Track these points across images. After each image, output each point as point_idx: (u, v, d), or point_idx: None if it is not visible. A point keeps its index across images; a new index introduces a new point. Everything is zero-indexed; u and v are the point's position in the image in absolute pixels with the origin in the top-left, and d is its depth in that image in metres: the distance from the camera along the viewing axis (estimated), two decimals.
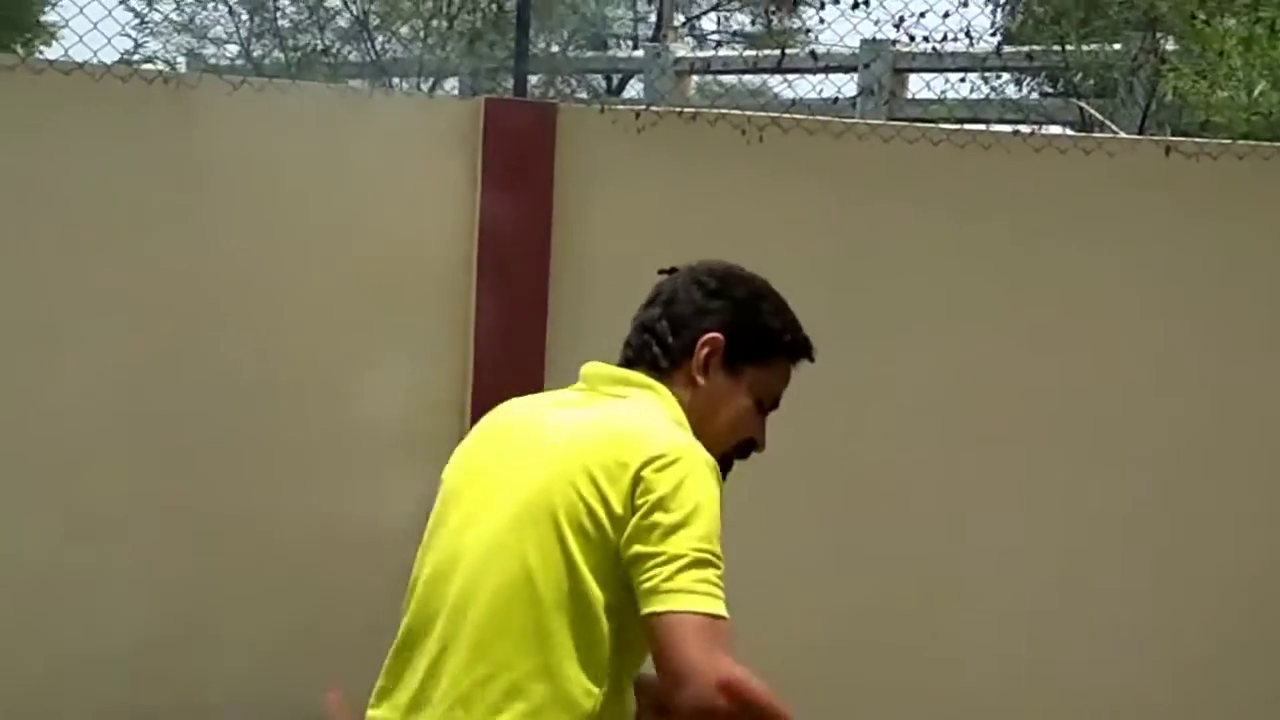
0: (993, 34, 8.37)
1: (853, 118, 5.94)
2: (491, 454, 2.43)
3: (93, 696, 4.80)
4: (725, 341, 2.46)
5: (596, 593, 2.26)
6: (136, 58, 8.90)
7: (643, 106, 5.57)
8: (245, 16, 10.20)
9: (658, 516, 2.22)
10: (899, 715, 5.35)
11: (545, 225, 5.22)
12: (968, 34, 6.45)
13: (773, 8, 11.10)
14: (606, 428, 2.34)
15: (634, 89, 11.54)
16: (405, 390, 5.16)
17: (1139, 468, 5.42)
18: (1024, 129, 5.60)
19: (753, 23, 12.93)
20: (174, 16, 10.33)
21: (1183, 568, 5.43)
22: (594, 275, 5.28)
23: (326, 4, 9.48)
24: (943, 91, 7.61)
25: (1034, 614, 5.42)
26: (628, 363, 2.49)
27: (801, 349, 2.54)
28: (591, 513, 2.26)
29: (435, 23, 7.63)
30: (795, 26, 11.33)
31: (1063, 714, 5.45)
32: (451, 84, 8.94)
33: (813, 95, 7.52)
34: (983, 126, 5.70)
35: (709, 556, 2.22)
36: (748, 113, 5.55)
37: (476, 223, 5.17)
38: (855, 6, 6.74)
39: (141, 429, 4.95)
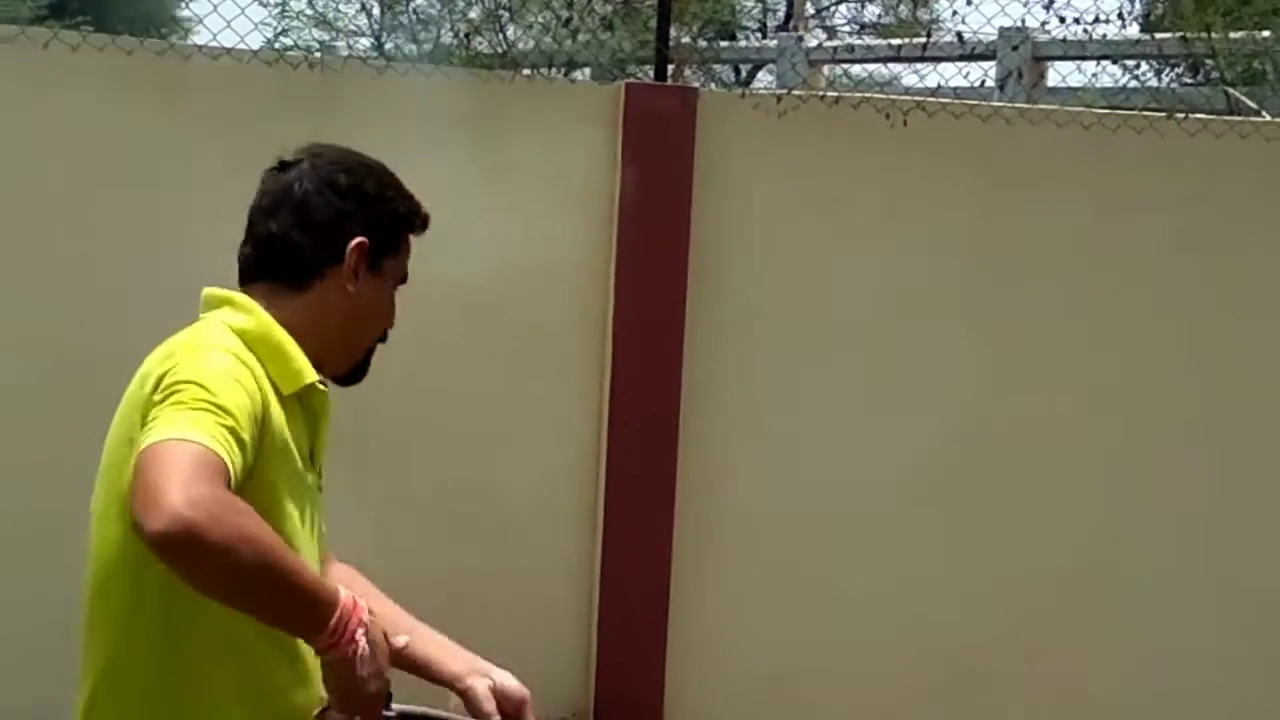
0: (1133, 21, 8.19)
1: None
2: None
3: None
4: (369, 243, 2.33)
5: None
6: (276, 47, 8.99)
7: (784, 91, 5.50)
8: (377, 10, 10.29)
9: (155, 399, 2.07)
10: None
11: (685, 211, 5.18)
12: (1120, 16, 6.29)
13: None
14: (145, 362, 2.21)
15: (762, 82, 11.46)
16: (543, 375, 5.15)
17: None
18: (1177, 115, 5.43)
19: (881, 15, 12.83)
20: (307, 11, 10.47)
21: None
22: (734, 261, 5.23)
23: None
24: (1092, 76, 7.46)
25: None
26: (248, 275, 2.34)
27: (423, 222, 2.43)
28: (123, 460, 2.12)
29: (567, 14, 7.61)
30: (927, 19, 11.20)
31: None
32: (579, 76, 8.93)
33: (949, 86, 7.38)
34: (1133, 111, 5.54)
35: (193, 387, 2.04)
36: (892, 96, 5.46)
37: (616, 209, 5.14)
38: None
39: None
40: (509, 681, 2.39)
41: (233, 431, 2.02)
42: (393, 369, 4.82)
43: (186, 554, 1.90)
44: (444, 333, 5.03)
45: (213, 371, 2.09)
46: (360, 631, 2.06)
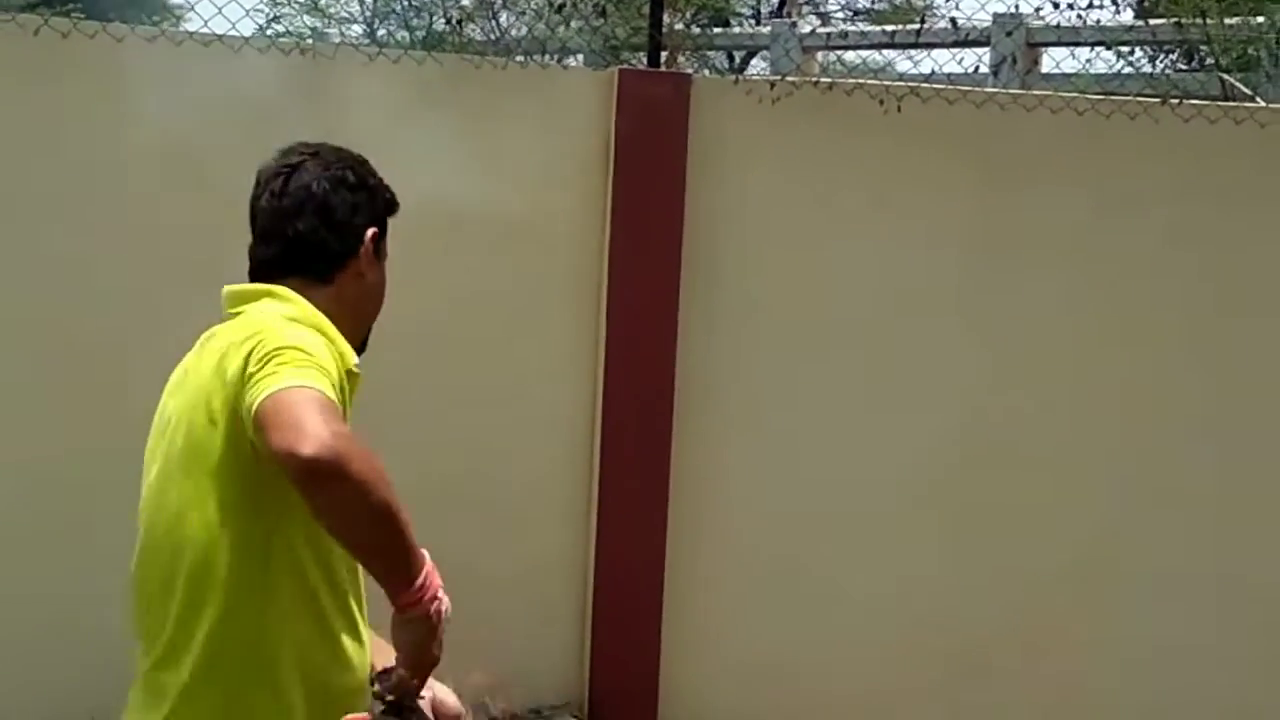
0: (1127, 7, 8.17)
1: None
2: (163, 408, 2.43)
3: None
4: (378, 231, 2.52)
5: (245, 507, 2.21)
6: (269, 34, 8.96)
7: (778, 77, 5.48)
8: None
9: (250, 370, 2.18)
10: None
11: (679, 198, 5.16)
12: (1114, 1, 6.28)
13: None
14: (214, 351, 2.31)
15: (756, 68, 11.43)
16: (537, 364, 5.13)
17: None
18: (1172, 100, 5.42)
19: (875, 1, 12.81)
20: None
21: None
22: (727, 248, 5.22)
23: None
24: (1086, 62, 7.44)
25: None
26: (272, 273, 2.44)
27: (398, 204, 2.59)
28: (208, 441, 2.24)
29: (560, 0, 7.57)
30: (921, 4, 11.16)
31: None
32: (572, 62, 8.90)
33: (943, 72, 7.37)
34: (1127, 97, 5.52)
35: (293, 350, 2.17)
36: (886, 82, 5.44)
37: (609, 196, 5.12)
38: None
39: None
40: (448, 698, 2.47)
41: (335, 389, 2.17)
42: (387, 359, 4.83)
43: (332, 481, 2.04)
44: (435, 324, 5.01)
45: (304, 339, 2.24)
46: (441, 590, 2.19)
